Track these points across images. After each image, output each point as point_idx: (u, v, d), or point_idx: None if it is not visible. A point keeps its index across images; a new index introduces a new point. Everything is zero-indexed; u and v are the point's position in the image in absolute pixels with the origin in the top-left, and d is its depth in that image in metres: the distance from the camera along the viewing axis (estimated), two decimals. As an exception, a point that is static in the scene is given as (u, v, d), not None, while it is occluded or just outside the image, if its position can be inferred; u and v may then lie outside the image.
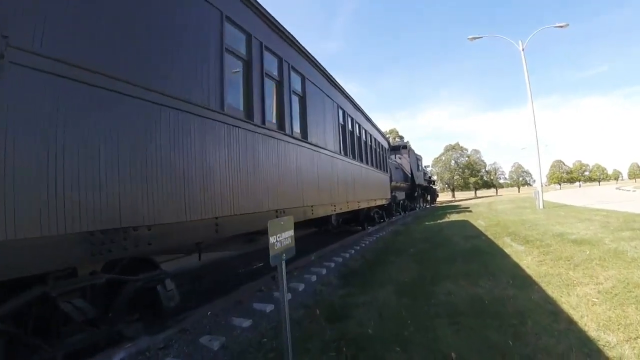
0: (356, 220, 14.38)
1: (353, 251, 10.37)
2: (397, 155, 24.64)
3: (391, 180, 18.90)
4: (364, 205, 11.83)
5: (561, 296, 5.02)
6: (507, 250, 8.39)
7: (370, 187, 13.21)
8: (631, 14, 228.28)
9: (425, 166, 33.88)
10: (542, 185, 20.28)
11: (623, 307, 4.35)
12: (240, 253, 8.08)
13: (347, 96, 10.30)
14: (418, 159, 28.45)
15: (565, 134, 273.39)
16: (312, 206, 6.95)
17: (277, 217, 5.51)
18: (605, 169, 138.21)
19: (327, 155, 8.04)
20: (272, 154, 5.56)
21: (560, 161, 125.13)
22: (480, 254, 8.13)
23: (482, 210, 24.48)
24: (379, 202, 14.72)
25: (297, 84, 6.92)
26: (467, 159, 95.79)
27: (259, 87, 5.43)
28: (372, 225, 15.50)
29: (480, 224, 14.73)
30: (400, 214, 22.86)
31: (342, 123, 9.67)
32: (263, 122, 5.46)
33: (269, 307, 5.53)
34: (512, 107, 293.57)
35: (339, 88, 9.56)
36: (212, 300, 5.59)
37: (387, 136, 25.91)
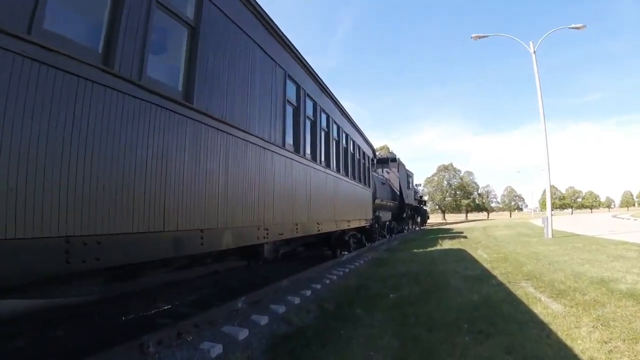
0: (327, 244, 11.34)
1: (309, 292, 7.31)
2: (385, 169, 21.48)
3: (375, 198, 15.88)
4: (329, 228, 8.74)
5: None
6: (538, 312, 5.38)
7: (344, 203, 10.19)
8: (624, 44, 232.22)
9: (416, 185, 30.86)
10: (551, 212, 17.42)
11: None
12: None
13: (304, 65, 7.21)
14: (409, 175, 25.40)
15: (558, 160, 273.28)
16: (201, 230, 3.84)
17: (67, 254, 2.41)
18: (597, 196, 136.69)
19: (250, 145, 4.91)
20: (70, 116, 2.50)
21: (553, 186, 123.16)
22: (497, 319, 5.09)
23: (478, 236, 21.54)
24: (355, 224, 11.65)
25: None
26: (460, 180, 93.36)
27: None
28: (347, 251, 12.44)
29: (481, 256, 11.73)
30: (386, 237, 19.79)
31: (295, 104, 6.62)
32: (42, 36, 2.39)
33: None
34: (504, 130, 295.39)
35: (288, 46, 6.43)
36: None
37: (378, 153, 22.90)
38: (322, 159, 8.18)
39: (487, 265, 9.74)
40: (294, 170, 6.30)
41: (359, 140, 12.59)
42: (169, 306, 5.79)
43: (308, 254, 12.68)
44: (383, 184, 18.96)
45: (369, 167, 14.22)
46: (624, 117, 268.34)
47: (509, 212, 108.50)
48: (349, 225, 10.63)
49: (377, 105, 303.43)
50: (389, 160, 22.28)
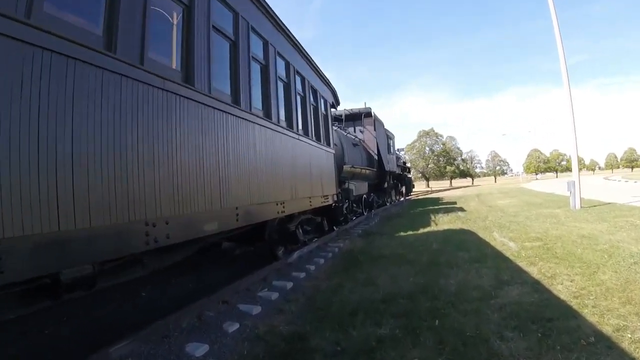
0: (261, 238, 6.89)
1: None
2: (358, 128, 16.53)
3: (343, 163, 11.36)
4: (205, 228, 4.19)
5: None
6: None
7: (272, 172, 5.72)
8: (607, 7, 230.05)
9: (398, 149, 26.18)
10: (578, 177, 13.33)
11: None
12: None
13: None
14: (389, 136, 20.64)
15: (541, 124, 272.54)
16: None
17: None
18: (582, 159, 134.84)
19: None
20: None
21: (537, 150, 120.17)
22: None
23: (477, 208, 17.44)
24: (301, 206, 7.20)
25: None
26: (442, 146, 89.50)
27: None
28: (297, 244, 8.08)
29: (506, 245, 7.47)
30: (363, 213, 15.46)
31: None
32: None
33: None
34: (486, 96, 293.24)
35: None
36: None
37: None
38: (194, 75, 3.57)
39: (531, 270, 5.48)
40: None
41: (305, 70, 7.80)
42: None
43: (243, 250, 8.30)
44: (355, 145, 14.25)
45: (327, 117, 9.46)
46: (604, 79, 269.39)
47: (493, 177, 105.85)
48: (283, 212, 6.13)
49: (356, 75, 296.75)
50: (362, 116, 17.03)
